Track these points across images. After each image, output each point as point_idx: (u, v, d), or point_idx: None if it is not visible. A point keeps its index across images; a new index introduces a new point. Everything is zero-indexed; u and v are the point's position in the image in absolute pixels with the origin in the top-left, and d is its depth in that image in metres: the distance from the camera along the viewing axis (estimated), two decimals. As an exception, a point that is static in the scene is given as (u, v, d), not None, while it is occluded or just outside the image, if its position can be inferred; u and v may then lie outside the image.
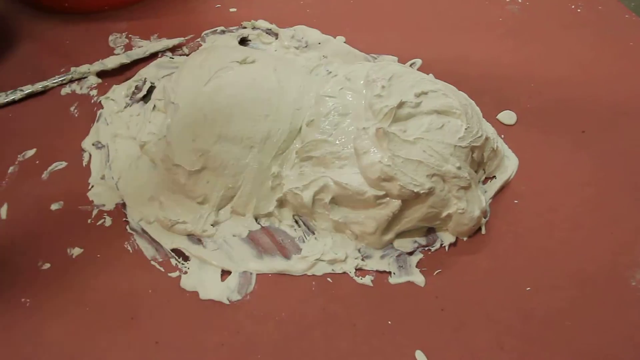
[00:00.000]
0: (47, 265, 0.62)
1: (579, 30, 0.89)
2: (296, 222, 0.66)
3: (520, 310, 0.59)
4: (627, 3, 0.94)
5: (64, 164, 0.71)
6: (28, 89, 0.79)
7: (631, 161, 0.71)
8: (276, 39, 0.87)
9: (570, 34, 0.88)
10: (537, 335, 0.57)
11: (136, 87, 0.79)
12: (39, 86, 0.79)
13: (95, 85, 0.80)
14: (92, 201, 0.67)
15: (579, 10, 0.93)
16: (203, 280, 0.61)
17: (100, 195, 0.68)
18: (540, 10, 0.93)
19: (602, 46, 0.86)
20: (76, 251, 0.63)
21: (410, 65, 0.82)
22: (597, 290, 0.61)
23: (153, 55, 0.85)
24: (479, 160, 0.68)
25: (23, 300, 0.59)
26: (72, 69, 0.81)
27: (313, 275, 0.62)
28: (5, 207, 0.67)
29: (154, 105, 0.74)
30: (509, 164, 0.71)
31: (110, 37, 0.88)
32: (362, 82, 0.68)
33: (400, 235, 0.65)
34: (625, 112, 0.76)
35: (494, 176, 0.70)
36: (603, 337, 0.57)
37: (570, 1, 0.94)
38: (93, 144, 0.73)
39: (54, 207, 0.67)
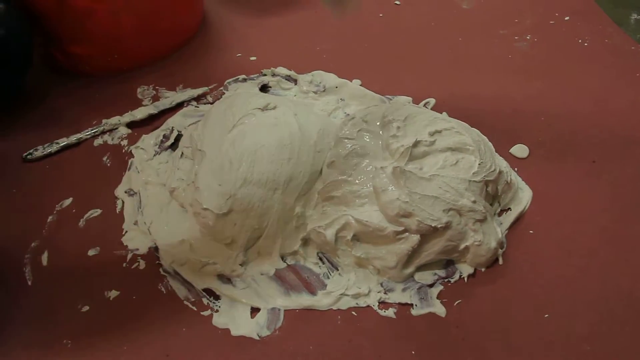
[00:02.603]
0: (86, 308, 0.65)
1: (586, 64, 0.92)
2: (320, 259, 0.69)
3: (540, 337, 0.61)
4: (633, 35, 0.97)
5: (99, 211, 0.75)
6: (63, 142, 0.83)
7: (642, 188, 0.73)
8: (295, 84, 0.91)
9: (578, 68, 0.91)
10: (558, 361, 0.59)
11: (164, 136, 0.83)
12: (73, 138, 0.84)
13: (126, 135, 0.85)
14: (127, 246, 0.71)
15: (585, 44, 0.95)
16: (234, 317, 0.64)
17: (134, 240, 0.72)
18: (548, 46, 0.96)
19: (609, 78, 0.89)
20: (113, 293, 0.66)
21: (424, 105, 0.86)
22: (616, 315, 0.62)
23: (179, 105, 0.89)
24: (493, 194, 0.70)
25: (65, 341, 0.62)
26: (104, 121, 0.86)
27: (338, 309, 0.64)
28: (45, 254, 0.70)
29: (182, 153, 0.78)
30: (523, 196, 0.73)
31: (139, 90, 0.93)
32: (378, 123, 0.72)
33: (421, 268, 0.67)
34: (635, 141, 0.79)
35: (509, 208, 0.72)
36: (622, 361, 0.59)
37: (577, 35, 0.97)
38: (125, 192, 0.77)
39: (91, 252, 0.70)
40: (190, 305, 0.65)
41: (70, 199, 0.76)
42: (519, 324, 0.62)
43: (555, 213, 0.72)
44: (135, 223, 0.73)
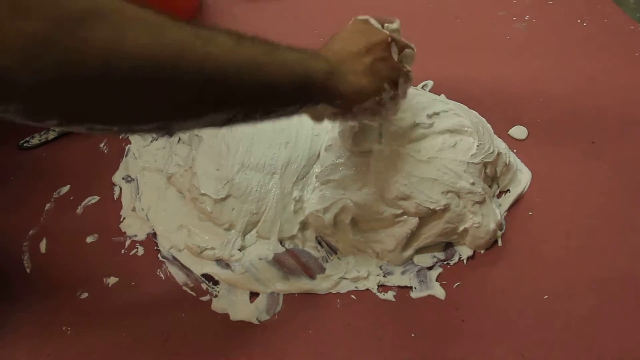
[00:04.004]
0: (85, 295, 0.65)
1: (585, 44, 0.91)
2: (319, 243, 0.68)
3: (539, 318, 0.61)
4: (633, 14, 0.96)
5: (96, 198, 0.75)
6: (60, 129, 0.82)
7: (642, 168, 0.73)
8: (292, 68, 0.90)
9: (577, 48, 0.91)
10: (557, 342, 0.59)
11: (161, 122, 0.82)
12: (69, 125, 0.83)
13: (123, 121, 0.84)
14: (125, 232, 0.71)
15: (584, 24, 0.95)
16: (233, 302, 0.64)
17: (132, 226, 0.72)
18: (546, 26, 0.95)
19: (608, 58, 0.88)
20: (112, 280, 0.66)
21: (423, 87, 0.85)
22: (614, 296, 0.62)
23: (176, 91, 0.88)
24: (492, 175, 0.70)
25: (64, 328, 0.63)
26: (100, 107, 0.85)
27: (337, 293, 0.65)
28: (44, 241, 0.70)
29: (179, 138, 0.77)
30: (522, 178, 0.73)
31: (135, 75, 0.92)
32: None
33: (420, 251, 0.67)
34: (634, 122, 0.78)
35: (508, 190, 0.72)
36: (621, 342, 0.59)
37: (576, 15, 0.97)
38: (123, 178, 0.77)
39: (90, 239, 0.70)
40: (189, 291, 0.65)
41: (68, 186, 0.76)
42: (518, 306, 0.62)
43: (555, 194, 0.72)
44: (133, 209, 0.73)
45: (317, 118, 0.56)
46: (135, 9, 0.39)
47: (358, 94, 0.54)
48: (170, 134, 0.45)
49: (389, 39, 0.58)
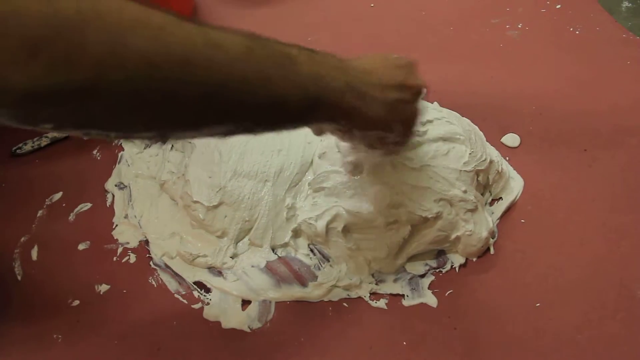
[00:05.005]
0: (76, 302, 0.65)
1: (578, 52, 0.92)
2: (311, 250, 0.68)
3: (531, 326, 0.61)
4: (625, 23, 0.97)
5: (89, 205, 0.75)
6: (52, 135, 0.82)
7: (633, 175, 0.73)
8: (286, 75, 0.90)
9: (569, 56, 0.91)
10: (549, 350, 0.59)
11: (154, 129, 0.82)
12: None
13: (116, 128, 0.84)
14: (117, 240, 0.71)
15: (577, 32, 0.95)
16: (225, 310, 0.64)
17: (124, 233, 0.71)
18: (539, 34, 0.95)
19: (601, 66, 0.89)
20: (103, 288, 0.66)
21: (415, 95, 0.85)
22: (606, 304, 0.62)
23: (169, 97, 0.88)
24: (484, 183, 0.70)
25: (55, 336, 0.62)
26: (93, 114, 0.85)
27: (329, 301, 0.64)
28: (35, 249, 0.70)
29: (172, 146, 0.77)
30: (514, 185, 0.73)
31: (128, 82, 0.92)
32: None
33: (412, 258, 0.67)
34: (626, 130, 0.78)
35: (501, 197, 0.72)
36: (614, 349, 0.59)
37: (569, 23, 0.97)
38: (116, 185, 0.76)
39: (81, 247, 0.70)
40: (181, 299, 0.65)
41: (60, 193, 0.76)
42: (510, 314, 0.62)
43: (547, 202, 0.72)
44: (126, 216, 0.73)
45: (318, 133, 0.55)
46: (137, 9, 0.37)
47: (367, 121, 0.52)
48: (165, 141, 0.43)
49: (424, 91, 0.56)
